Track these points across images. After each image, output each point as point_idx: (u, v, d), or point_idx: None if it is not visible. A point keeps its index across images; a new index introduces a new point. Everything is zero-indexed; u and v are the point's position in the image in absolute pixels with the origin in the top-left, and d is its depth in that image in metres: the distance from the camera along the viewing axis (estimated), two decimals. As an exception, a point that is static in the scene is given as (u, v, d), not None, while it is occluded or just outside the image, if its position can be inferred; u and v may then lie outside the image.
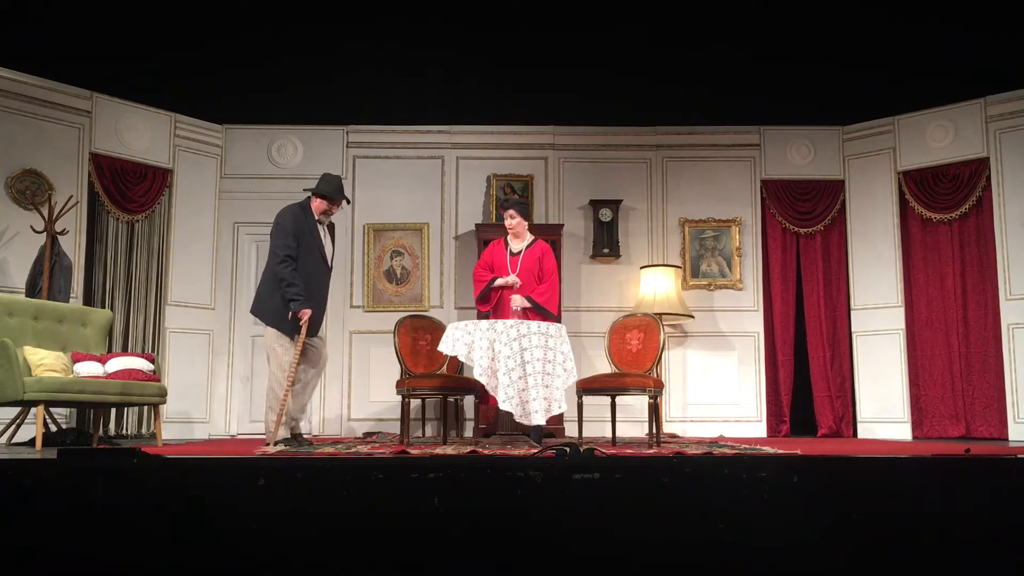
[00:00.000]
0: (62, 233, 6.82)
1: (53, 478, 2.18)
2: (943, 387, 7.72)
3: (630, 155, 8.49)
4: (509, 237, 6.08)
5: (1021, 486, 2.28)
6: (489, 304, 5.96)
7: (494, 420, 7.09)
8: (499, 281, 5.87)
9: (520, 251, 5.99)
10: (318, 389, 7.52)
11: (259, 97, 7.99)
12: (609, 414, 5.99)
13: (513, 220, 5.97)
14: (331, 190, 5.44)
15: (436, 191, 8.39)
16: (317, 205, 5.45)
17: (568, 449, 2.42)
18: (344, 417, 8.10)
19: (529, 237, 6.06)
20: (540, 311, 5.75)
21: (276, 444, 5.16)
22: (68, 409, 6.80)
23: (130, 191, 7.63)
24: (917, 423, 7.82)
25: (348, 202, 5.63)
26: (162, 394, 5.82)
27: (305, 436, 5.44)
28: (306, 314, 5.19)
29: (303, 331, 5.21)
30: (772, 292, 8.34)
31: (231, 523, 2.18)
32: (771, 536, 2.23)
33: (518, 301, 5.74)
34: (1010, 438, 7.24)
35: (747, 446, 5.29)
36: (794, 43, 7.43)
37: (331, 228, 5.62)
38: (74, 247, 7.17)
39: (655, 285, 7.82)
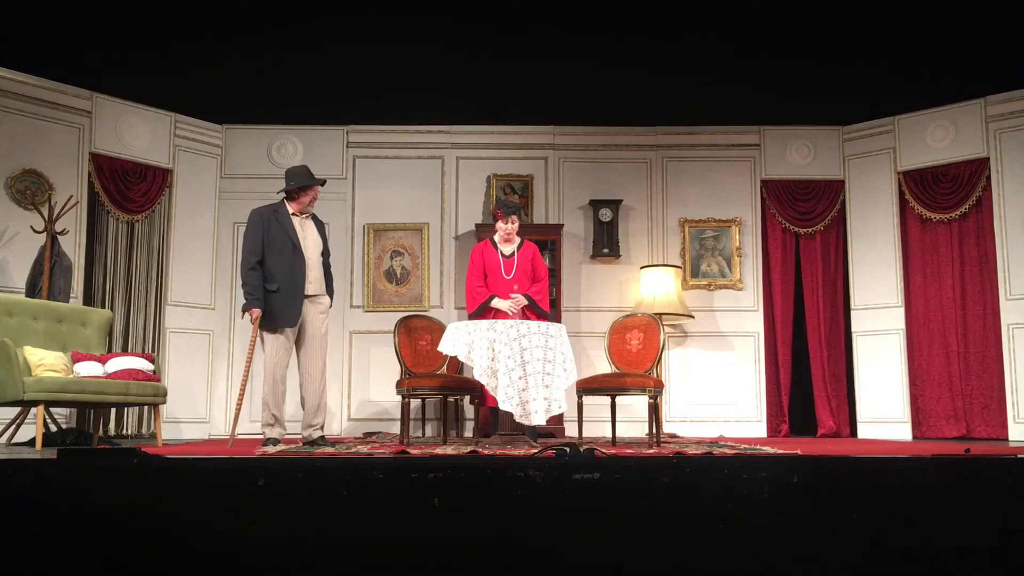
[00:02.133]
0: (62, 233, 6.82)
1: (53, 478, 2.18)
2: (943, 387, 7.72)
3: (630, 155, 8.49)
4: (498, 239, 6.03)
5: (1021, 486, 2.28)
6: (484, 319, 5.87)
7: (494, 420, 7.08)
8: (499, 304, 5.79)
9: (512, 253, 5.98)
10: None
11: (259, 97, 7.99)
12: (609, 414, 5.99)
13: (514, 225, 5.95)
14: (301, 180, 5.44)
15: (436, 191, 8.39)
16: (296, 205, 5.45)
17: (568, 449, 2.42)
18: (344, 417, 8.10)
19: (517, 239, 6.06)
20: (537, 310, 5.78)
21: (266, 444, 5.17)
22: (68, 409, 6.80)
23: (130, 191, 7.63)
24: (916, 423, 7.82)
25: (322, 183, 5.62)
26: (162, 394, 5.82)
27: (323, 438, 5.43)
28: (254, 312, 5.26)
29: (254, 328, 5.30)
30: (772, 292, 8.34)
31: (231, 523, 2.18)
32: (771, 536, 2.23)
33: (520, 300, 5.75)
34: (1010, 438, 7.24)
35: (747, 446, 5.29)
36: (794, 43, 7.43)
37: (317, 221, 5.59)
38: (74, 247, 7.17)
39: (655, 285, 7.82)
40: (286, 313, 5.28)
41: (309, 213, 5.52)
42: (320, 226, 5.60)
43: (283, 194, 5.52)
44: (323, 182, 5.63)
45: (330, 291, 5.61)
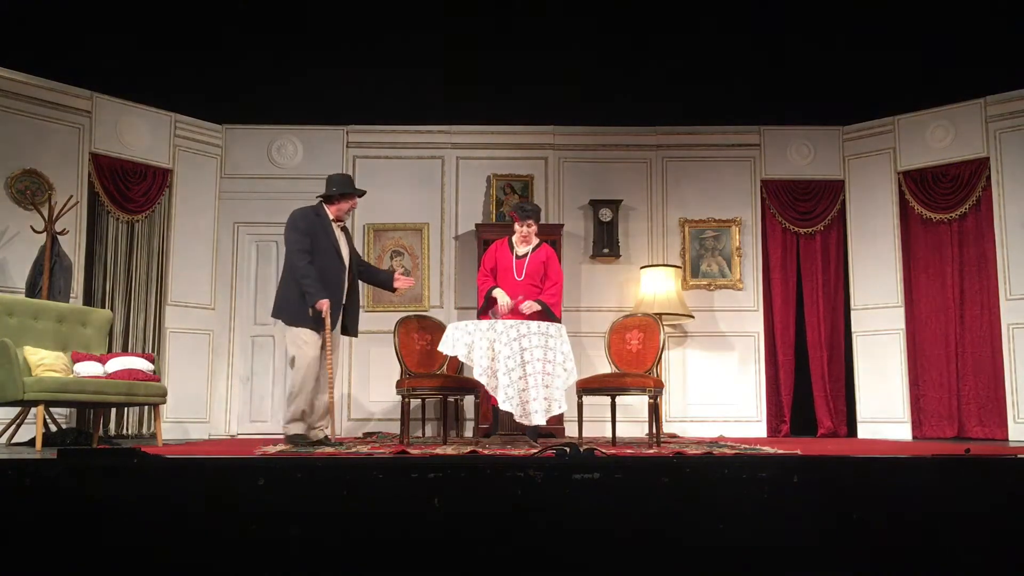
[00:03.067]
0: (62, 233, 6.82)
1: (53, 478, 2.18)
2: (943, 387, 7.72)
3: (630, 155, 8.49)
4: (515, 239, 6.05)
5: (1021, 486, 2.28)
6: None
7: (494, 420, 7.08)
8: (499, 299, 5.82)
9: (526, 254, 5.99)
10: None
11: (259, 97, 7.99)
12: (609, 414, 5.99)
13: (531, 229, 5.97)
14: (345, 187, 5.47)
15: (436, 191, 8.39)
16: (336, 208, 5.46)
17: (568, 449, 2.42)
18: (344, 417, 8.10)
19: (535, 240, 6.07)
20: (550, 315, 5.76)
21: (290, 441, 5.15)
22: (68, 409, 6.79)
23: (130, 191, 7.63)
24: (917, 423, 7.82)
25: (362, 194, 5.65)
26: (162, 394, 5.82)
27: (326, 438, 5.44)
28: (324, 304, 5.19)
29: (327, 323, 5.23)
30: (772, 292, 8.34)
31: (231, 523, 2.18)
32: (771, 536, 2.23)
33: (528, 306, 5.72)
34: (1010, 438, 7.24)
35: (747, 446, 5.29)
36: (794, 43, 7.43)
37: (345, 231, 5.62)
38: (74, 247, 7.17)
39: (655, 285, 7.82)
40: (324, 320, 5.27)
41: (343, 222, 5.55)
42: (348, 235, 5.63)
43: (320, 198, 5.52)
44: (363, 193, 5.66)
45: (387, 277, 5.73)
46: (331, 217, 5.45)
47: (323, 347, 5.32)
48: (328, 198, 5.48)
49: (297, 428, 5.27)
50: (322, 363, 5.37)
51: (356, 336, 5.63)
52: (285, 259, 5.50)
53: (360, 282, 5.79)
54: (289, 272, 5.37)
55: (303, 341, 5.26)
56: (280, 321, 5.51)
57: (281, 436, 5.38)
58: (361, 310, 8.13)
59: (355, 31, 7.34)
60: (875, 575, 2.22)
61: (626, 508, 2.22)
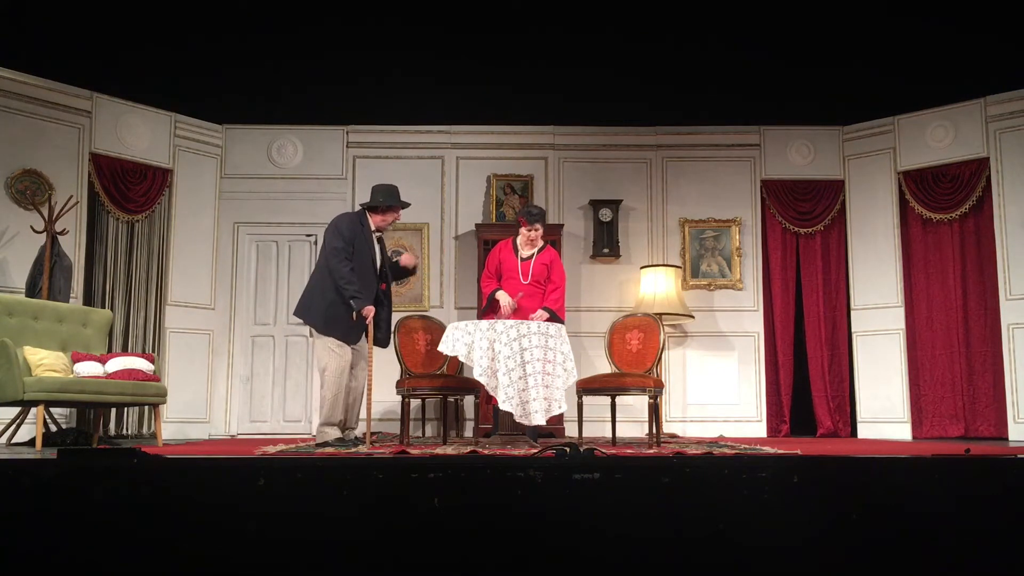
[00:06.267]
0: (62, 233, 6.82)
1: (53, 478, 2.18)
2: (943, 387, 7.72)
3: (630, 155, 8.49)
4: (520, 241, 6.05)
5: (1021, 486, 2.28)
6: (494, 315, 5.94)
7: (494, 420, 7.08)
8: (502, 301, 5.82)
9: (531, 256, 5.99)
10: (316, 389, 7.51)
11: (259, 97, 7.99)
12: (609, 414, 5.99)
13: (539, 233, 5.97)
14: (391, 199, 5.43)
15: (436, 191, 8.39)
16: (379, 219, 5.44)
17: (568, 449, 2.42)
18: (344, 417, 8.09)
19: (540, 243, 6.07)
20: (555, 318, 5.74)
21: (330, 445, 5.14)
22: (68, 409, 6.79)
23: (130, 191, 7.63)
24: (917, 423, 7.82)
25: (407, 206, 5.61)
26: (162, 394, 5.83)
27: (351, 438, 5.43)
28: (370, 311, 5.17)
29: (371, 328, 5.23)
30: (772, 292, 8.34)
31: (231, 523, 2.18)
32: (771, 536, 2.23)
33: (538, 315, 5.68)
34: (1010, 438, 7.24)
35: (747, 446, 5.29)
36: (794, 43, 7.43)
37: (381, 242, 5.59)
38: (74, 247, 7.17)
39: (655, 285, 7.82)
40: (356, 330, 5.27)
41: (383, 232, 5.54)
42: (383, 245, 5.60)
43: (364, 206, 5.49)
44: (408, 205, 5.61)
45: (395, 263, 5.70)
46: (372, 227, 5.43)
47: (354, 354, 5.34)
48: (372, 208, 5.44)
49: (335, 432, 5.25)
50: (357, 368, 5.37)
51: (386, 347, 5.58)
52: (321, 262, 5.36)
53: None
54: (326, 275, 5.25)
55: (333, 349, 5.22)
56: (309, 326, 5.45)
57: (284, 437, 5.37)
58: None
59: (355, 31, 7.34)
60: (874, 575, 2.22)
61: (626, 508, 2.22)
